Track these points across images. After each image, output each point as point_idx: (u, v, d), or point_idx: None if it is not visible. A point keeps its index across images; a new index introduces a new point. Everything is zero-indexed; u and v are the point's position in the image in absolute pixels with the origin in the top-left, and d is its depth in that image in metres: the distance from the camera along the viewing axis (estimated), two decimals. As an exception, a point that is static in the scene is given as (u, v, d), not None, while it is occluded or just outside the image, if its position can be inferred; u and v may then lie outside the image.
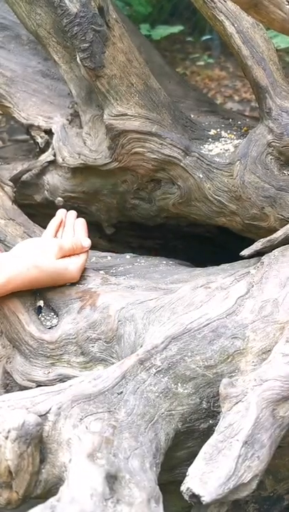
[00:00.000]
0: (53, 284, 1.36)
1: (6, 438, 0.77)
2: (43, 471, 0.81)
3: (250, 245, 1.38)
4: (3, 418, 0.79)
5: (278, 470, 1.16)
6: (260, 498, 1.16)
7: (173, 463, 1.03)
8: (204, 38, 4.20)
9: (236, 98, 3.84)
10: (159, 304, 1.22)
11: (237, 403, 0.91)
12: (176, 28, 3.93)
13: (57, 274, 1.34)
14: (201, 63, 4.19)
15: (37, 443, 0.80)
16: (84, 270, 1.43)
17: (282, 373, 0.93)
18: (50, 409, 0.87)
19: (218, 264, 1.44)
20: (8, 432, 0.78)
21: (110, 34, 1.41)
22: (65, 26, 1.40)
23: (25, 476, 0.79)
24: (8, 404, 0.84)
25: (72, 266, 1.37)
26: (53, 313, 1.37)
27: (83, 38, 1.39)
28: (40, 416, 0.83)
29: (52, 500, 0.71)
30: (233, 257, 1.42)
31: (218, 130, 1.63)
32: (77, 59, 1.44)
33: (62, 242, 1.39)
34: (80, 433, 0.82)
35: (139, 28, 3.66)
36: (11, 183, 1.69)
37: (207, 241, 1.90)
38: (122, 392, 0.95)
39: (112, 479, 0.75)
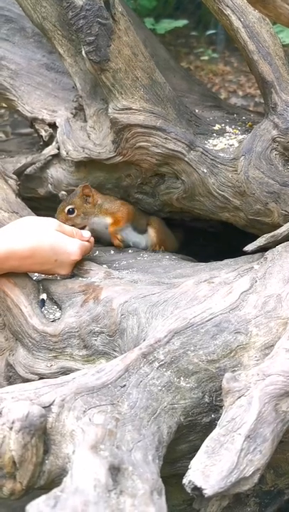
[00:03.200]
0: (55, 259, 1.34)
1: (11, 429, 0.78)
2: (46, 462, 0.82)
3: (253, 241, 1.38)
4: (8, 409, 0.79)
5: (279, 465, 1.17)
6: (261, 492, 1.17)
7: (175, 456, 1.03)
8: (209, 32, 4.19)
9: (240, 93, 3.83)
10: (162, 298, 1.22)
11: (240, 397, 0.91)
12: (181, 23, 3.91)
13: (57, 245, 1.33)
14: (206, 58, 4.17)
15: (41, 434, 0.81)
16: (87, 264, 1.43)
17: (285, 368, 0.93)
18: (53, 401, 0.87)
19: (221, 259, 1.45)
20: (13, 422, 0.78)
21: (116, 27, 1.40)
22: (70, 19, 1.40)
23: (29, 467, 0.80)
24: (12, 396, 0.85)
25: (74, 241, 1.36)
26: (56, 307, 1.38)
27: (89, 31, 1.39)
28: (43, 408, 0.84)
29: (56, 491, 0.71)
30: (237, 252, 1.43)
31: (223, 125, 1.63)
32: (83, 52, 1.43)
33: (60, 222, 1.41)
34: (84, 425, 0.83)
35: (144, 22, 3.64)
36: (15, 177, 1.69)
37: (210, 236, 1.90)
38: (125, 385, 0.95)
39: (115, 471, 0.75)
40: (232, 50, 4.20)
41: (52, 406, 0.86)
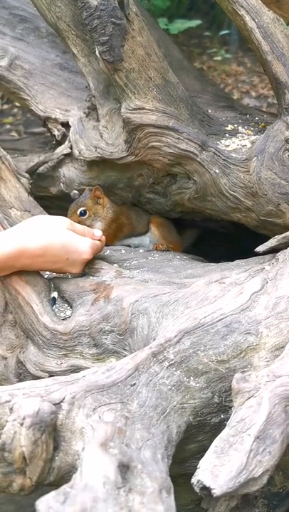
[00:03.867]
0: (66, 258, 1.34)
1: (21, 425, 0.79)
2: (56, 458, 0.83)
3: (264, 241, 1.38)
4: (19, 405, 0.80)
5: (288, 467, 1.17)
6: (270, 494, 1.17)
7: (184, 456, 1.03)
8: (222, 32, 4.18)
9: (253, 94, 3.82)
10: (172, 298, 1.22)
11: (249, 398, 0.91)
12: (194, 23, 3.91)
13: (69, 244, 1.33)
14: (218, 58, 4.16)
15: (51, 431, 0.81)
16: (98, 263, 1.44)
17: (296, 370, 0.93)
18: (64, 399, 0.88)
19: (232, 260, 1.45)
20: (24, 418, 0.79)
21: (130, 28, 1.41)
22: (84, 19, 1.41)
23: (38, 463, 0.80)
24: (24, 392, 0.86)
25: (85, 240, 1.37)
26: (66, 305, 1.39)
27: (103, 31, 1.40)
28: (54, 405, 0.85)
29: (65, 487, 0.72)
30: (248, 252, 1.42)
31: (236, 125, 1.63)
32: (96, 52, 1.44)
33: (72, 221, 1.41)
34: (94, 422, 0.83)
35: (157, 22, 3.65)
36: (27, 175, 1.70)
37: (221, 236, 1.90)
38: (134, 383, 0.96)
39: (124, 468, 0.76)
40: (245, 51, 4.19)
41: (62, 403, 0.87)
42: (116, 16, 1.39)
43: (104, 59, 1.43)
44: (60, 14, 1.59)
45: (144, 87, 1.46)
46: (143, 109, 1.47)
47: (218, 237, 1.89)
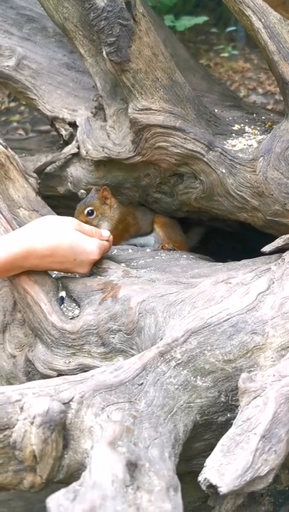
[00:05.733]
0: (74, 259, 1.36)
1: (32, 423, 0.80)
2: (65, 456, 0.84)
3: (270, 241, 1.39)
4: (30, 404, 0.82)
5: (294, 465, 1.18)
6: (276, 492, 1.18)
7: (190, 454, 1.05)
8: (229, 29, 4.17)
9: (260, 91, 3.81)
10: (179, 297, 1.23)
11: (255, 398, 0.92)
12: (201, 19, 3.89)
13: (77, 244, 1.35)
14: (225, 55, 4.15)
15: (60, 429, 0.83)
16: (105, 262, 1.45)
17: (301, 370, 0.94)
18: (73, 398, 0.89)
19: (238, 259, 1.46)
20: (34, 417, 0.81)
21: (137, 28, 1.42)
22: (92, 20, 1.42)
23: (48, 461, 0.82)
24: (33, 392, 0.87)
25: (93, 240, 1.38)
26: (74, 304, 1.40)
27: (110, 32, 1.40)
28: (63, 404, 0.86)
29: (75, 485, 0.73)
30: (254, 251, 1.43)
31: (242, 125, 1.63)
32: (104, 53, 1.45)
33: (79, 221, 1.43)
34: (102, 421, 0.85)
35: (164, 19, 3.65)
36: (35, 175, 1.71)
37: (228, 235, 1.90)
38: (142, 383, 0.97)
39: (132, 467, 0.77)
40: (252, 47, 4.18)
41: (71, 402, 0.88)
42: (123, 16, 1.40)
43: (111, 60, 1.44)
44: (67, 15, 1.60)
45: (151, 87, 1.47)
46: (150, 109, 1.48)
47: (224, 235, 1.90)
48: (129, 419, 0.87)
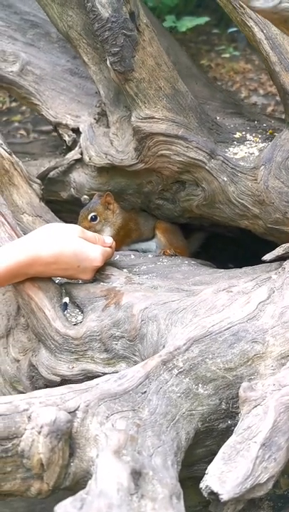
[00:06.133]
0: (78, 265, 1.38)
1: (39, 433, 0.83)
2: (71, 464, 0.87)
3: (271, 247, 1.41)
4: (37, 414, 0.84)
5: (293, 469, 1.20)
6: (275, 496, 1.21)
7: (192, 460, 1.07)
8: (230, 30, 4.17)
9: (261, 92, 3.82)
10: (181, 305, 1.26)
11: (256, 406, 0.95)
12: (202, 20, 3.90)
13: (80, 251, 1.37)
14: (227, 55, 4.16)
15: (67, 438, 0.85)
16: (108, 269, 1.48)
17: (301, 379, 0.96)
18: (78, 407, 0.92)
19: (239, 264, 1.48)
20: (41, 427, 0.83)
21: (140, 38, 1.44)
22: (96, 30, 1.44)
23: (55, 469, 0.84)
24: (40, 401, 0.90)
25: (96, 247, 1.41)
26: (78, 310, 1.42)
27: (114, 42, 1.42)
28: (69, 413, 0.89)
29: (81, 493, 0.76)
30: (255, 256, 1.45)
31: (244, 133, 1.65)
32: (107, 62, 1.47)
33: (83, 228, 1.45)
34: (107, 430, 0.87)
35: (165, 19, 3.66)
36: (39, 181, 1.74)
37: (229, 240, 1.93)
38: (145, 391, 1.00)
39: (136, 475, 0.80)
40: (253, 49, 4.17)
41: (77, 411, 0.91)
42: (127, 27, 1.42)
43: (115, 69, 1.46)
44: (71, 23, 1.62)
45: (154, 96, 1.49)
46: (153, 118, 1.50)
47: (225, 241, 1.92)
48: (133, 427, 0.89)
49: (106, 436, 0.86)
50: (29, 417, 0.85)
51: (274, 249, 1.45)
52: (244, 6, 1.33)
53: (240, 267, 1.48)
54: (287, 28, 0.96)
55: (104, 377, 1.03)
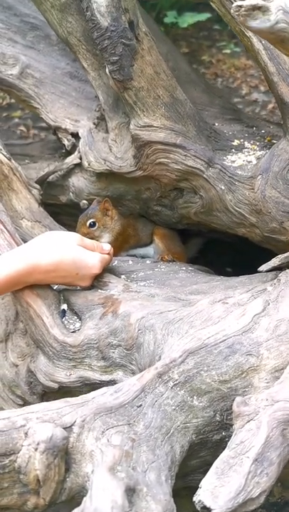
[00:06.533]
0: (76, 273, 1.40)
1: (36, 450, 0.85)
2: (67, 479, 0.89)
3: (269, 252, 1.42)
4: (34, 430, 0.86)
5: (286, 478, 1.22)
6: (268, 504, 1.23)
7: (187, 470, 1.09)
8: (231, 26, 4.15)
9: (262, 88, 3.81)
10: (178, 315, 1.27)
11: (249, 421, 0.96)
12: (204, 16, 3.89)
13: (79, 259, 1.39)
14: (228, 51, 4.15)
15: (63, 455, 0.87)
16: (106, 276, 1.49)
17: (293, 395, 0.98)
18: (75, 422, 0.94)
19: (237, 268, 1.49)
20: (38, 444, 0.85)
21: (139, 47, 1.44)
22: (95, 39, 1.44)
23: (51, 485, 0.86)
24: (37, 416, 0.91)
25: (94, 255, 1.42)
26: (76, 317, 1.44)
27: (113, 51, 1.43)
28: (65, 428, 0.90)
29: (76, 511, 0.78)
30: (252, 261, 1.46)
31: (242, 140, 1.66)
32: (106, 71, 1.48)
33: (82, 236, 1.47)
34: (102, 446, 0.89)
35: (166, 15, 3.64)
36: (38, 186, 1.75)
37: (227, 245, 1.94)
38: (141, 405, 1.01)
39: (130, 492, 0.82)
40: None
41: (73, 426, 0.93)
42: (126, 36, 1.42)
43: (114, 78, 1.47)
44: (71, 29, 1.62)
45: (153, 105, 1.50)
46: (151, 126, 1.51)
47: (223, 245, 1.93)
48: (128, 442, 0.91)
49: (101, 451, 0.88)
50: (26, 434, 0.87)
51: (271, 257, 1.47)
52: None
53: (238, 273, 1.50)
54: (284, 47, 0.97)
55: (101, 391, 1.05)
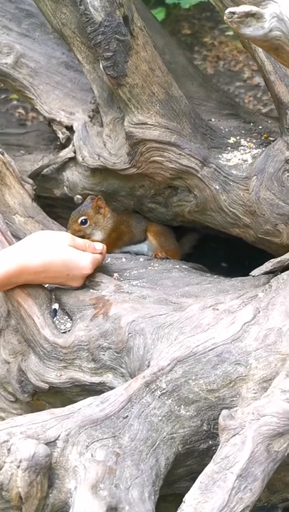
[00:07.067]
0: (67, 274, 1.39)
1: (18, 467, 0.85)
2: (50, 495, 0.89)
3: (264, 250, 1.41)
4: (16, 447, 0.86)
5: (274, 483, 1.23)
6: (255, 508, 1.23)
7: (173, 478, 1.10)
8: (235, 8, 4.06)
9: (264, 72, 3.75)
10: (168, 320, 1.26)
11: (234, 435, 0.96)
12: (206, -4, 3.79)
13: (70, 260, 1.37)
14: (230, 33, 4.06)
15: (46, 472, 0.87)
16: (98, 275, 1.48)
17: (280, 410, 0.98)
18: (59, 436, 0.94)
19: (232, 263, 1.47)
20: (20, 461, 0.85)
21: (134, 43, 1.40)
22: (89, 34, 1.40)
23: (34, 502, 0.87)
24: (21, 430, 0.91)
25: (86, 255, 1.41)
26: (67, 317, 1.43)
27: (107, 46, 1.39)
28: (50, 443, 0.90)
29: (57, 531, 0.78)
30: (247, 257, 1.44)
31: (238, 137, 1.63)
32: (100, 66, 1.44)
33: (73, 236, 1.45)
34: (86, 461, 0.89)
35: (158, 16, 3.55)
36: (31, 181, 1.72)
37: (222, 241, 1.92)
38: (127, 416, 1.01)
39: (112, 511, 0.82)
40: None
41: (57, 441, 0.93)
42: (120, 32, 1.38)
43: (108, 74, 1.43)
44: (65, 21, 1.58)
45: (147, 102, 1.47)
46: (146, 124, 1.48)
47: (218, 241, 1.92)
48: (112, 457, 0.91)
49: (84, 468, 0.88)
50: (9, 450, 0.87)
51: (266, 254, 1.46)
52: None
53: (233, 268, 1.48)
54: (278, 55, 0.94)
55: (87, 401, 1.05)
